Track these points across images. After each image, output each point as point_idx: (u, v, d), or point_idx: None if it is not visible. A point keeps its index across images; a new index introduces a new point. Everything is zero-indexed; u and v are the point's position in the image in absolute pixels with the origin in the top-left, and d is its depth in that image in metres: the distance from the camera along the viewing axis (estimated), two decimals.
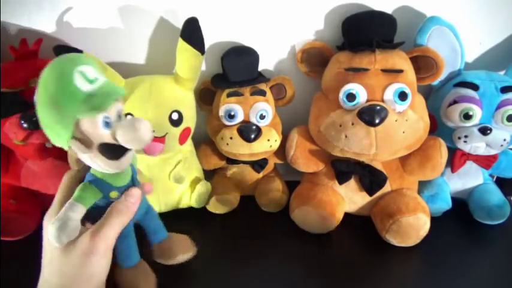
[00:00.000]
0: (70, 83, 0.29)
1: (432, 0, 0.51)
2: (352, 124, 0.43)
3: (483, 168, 0.52)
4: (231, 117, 0.51)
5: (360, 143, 0.43)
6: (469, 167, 0.52)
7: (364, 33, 0.46)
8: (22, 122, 0.42)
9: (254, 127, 0.50)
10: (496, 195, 0.53)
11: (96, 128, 0.31)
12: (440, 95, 0.51)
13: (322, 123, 0.47)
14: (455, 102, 0.48)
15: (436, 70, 0.46)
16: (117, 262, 0.38)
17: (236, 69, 0.50)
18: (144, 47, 0.51)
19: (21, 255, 0.46)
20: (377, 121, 0.41)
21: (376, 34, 0.46)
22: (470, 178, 0.54)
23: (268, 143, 0.51)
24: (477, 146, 0.48)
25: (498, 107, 0.47)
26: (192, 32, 0.46)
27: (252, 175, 0.57)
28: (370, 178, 0.48)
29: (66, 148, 0.32)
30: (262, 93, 0.52)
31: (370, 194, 0.49)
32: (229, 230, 0.52)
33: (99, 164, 0.32)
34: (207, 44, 0.47)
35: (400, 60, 0.46)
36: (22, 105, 0.43)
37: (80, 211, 0.32)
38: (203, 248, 0.46)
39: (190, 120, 0.50)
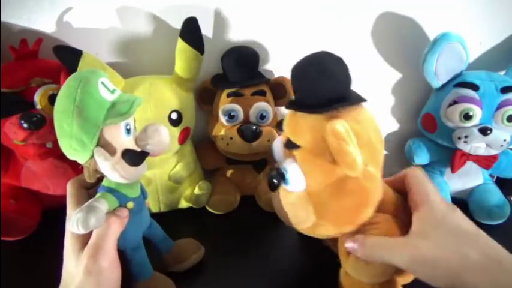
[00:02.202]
0: (97, 92, 0.31)
1: (433, 1, 0.51)
2: None
3: (483, 169, 0.52)
4: (231, 117, 0.51)
5: None
6: (469, 167, 0.52)
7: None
8: (22, 122, 0.42)
9: (254, 127, 0.50)
10: (496, 195, 0.53)
11: (119, 135, 0.32)
12: (441, 96, 0.51)
13: None
14: (455, 102, 0.48)
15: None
16: (133, 277, 0.38)
17: (236, 69, 0.50)
18: (143, 47, 0.51)
19: (21, 255, 0.47)
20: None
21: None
22: (470, 178, 0.54)
23: (268, 143, 0.51)
24: (477, 146, 0.48)
25: (498, 107, 0.47)
26: (191, 32, 0.46)
27: (252, 175, 0.57)
28: None
29: (82, 161, 0.32)
30: (262, 93, 0.52)
31: None
32: (229, 230, 0.52)
33: (119, 172, 0.32)
34: (207, 44, 0.47)
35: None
36: (22, 105, 0.43)
37: (104, 205, 0.32)
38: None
39: (189, 120, 0.50)
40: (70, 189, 0.36)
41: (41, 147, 0.45)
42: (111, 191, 0.34)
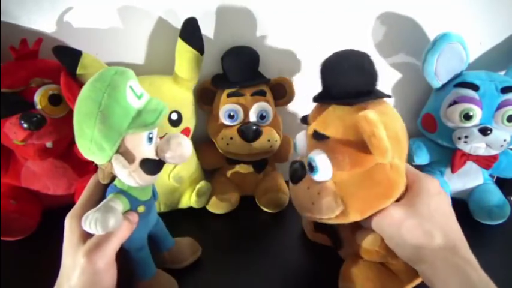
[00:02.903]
0: (124, 99, 0.29)
1: (433, 1, 0.51)
2: None
3: (483, 169, 0.52)
4: (231, 117, 0.51)
5: None
6: (469, 167, 0.52)
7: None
8: (22, 122, 0.42)
9: (254, 127, 0.50)
10: (496, 195, 0.53)
11: (141, 144, 0.31)
12: (441, 96, 0.51)
13: None
14: (455, 102, 0.48)
15: None
16: (137, 276, 0.38)
17: (236, 69, 0.50)
18: (143, 47, 0.51)
19: (21, 255, 0.47)
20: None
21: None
22: (470, 178, 0.54)
23: (268, 143, 0.51)
24: (477, 146, 0.48)
25: (498, 108, 0.47)
26: (191, 32, 0.46)
27: (252, 175, 0.57)
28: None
29: (98, 163, 0.32)
30: (263, 93, 0.52)
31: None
32: (229, 230, 0.52)
33: (135, 179, 0.32)
34: (207, 44, 0.47)
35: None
36: (22, 105, 0.43)
37: (120, 206, 0.32)
38: (203, 248, 0.46)
39: (189, 120, 0.50)
40: (91, 181, 0.36)
41: (41, 147, 0.45)
42: (123, 192, 0.33)
